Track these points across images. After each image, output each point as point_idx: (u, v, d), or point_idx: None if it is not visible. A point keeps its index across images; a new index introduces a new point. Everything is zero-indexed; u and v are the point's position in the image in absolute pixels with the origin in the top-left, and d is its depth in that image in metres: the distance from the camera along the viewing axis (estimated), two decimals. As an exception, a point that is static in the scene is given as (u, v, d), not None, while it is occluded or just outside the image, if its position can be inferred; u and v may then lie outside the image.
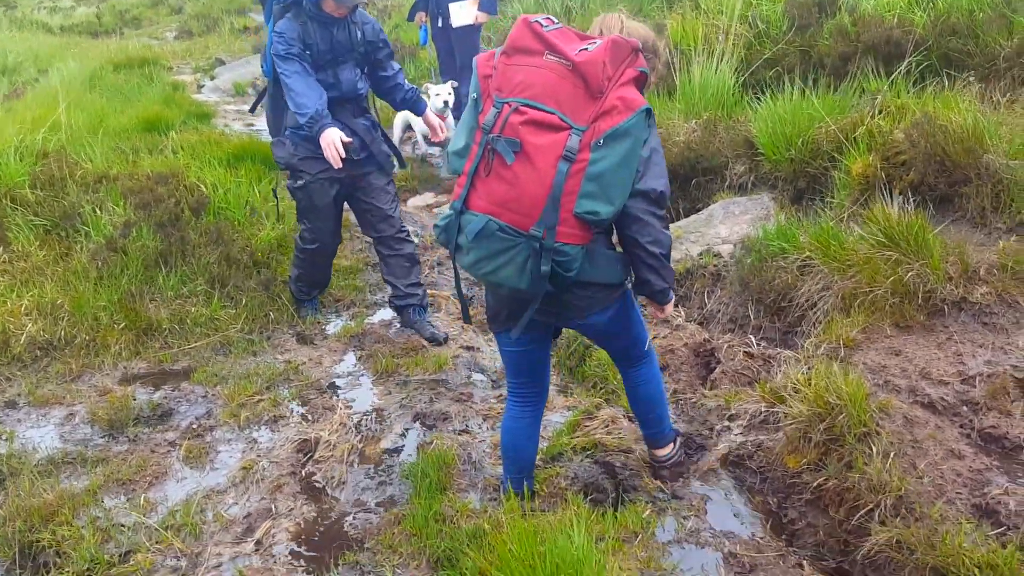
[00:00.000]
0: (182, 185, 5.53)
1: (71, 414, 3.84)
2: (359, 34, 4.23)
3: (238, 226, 5.35)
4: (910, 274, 3.62)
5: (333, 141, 3.98)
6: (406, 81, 4.56)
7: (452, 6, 7.42)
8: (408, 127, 7.22)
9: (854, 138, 4.65)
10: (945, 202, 4.25)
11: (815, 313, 4.02)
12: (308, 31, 4.07)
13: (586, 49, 2.47)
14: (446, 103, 6.58)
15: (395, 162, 4.57)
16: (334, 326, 4.78)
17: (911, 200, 4.15)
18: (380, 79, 4.47)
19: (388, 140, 4.53)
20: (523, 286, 2.53)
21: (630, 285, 2.87)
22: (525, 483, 3.15)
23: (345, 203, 4.57)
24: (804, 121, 4.98)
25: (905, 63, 5.22)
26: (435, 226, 2.68)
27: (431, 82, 6.98)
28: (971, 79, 5.13)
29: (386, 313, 4.96)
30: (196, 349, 4.42)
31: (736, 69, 6.06)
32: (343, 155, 3.99)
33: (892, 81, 5.09)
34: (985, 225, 4.08)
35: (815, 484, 3.06)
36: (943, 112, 4.33)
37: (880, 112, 4.72)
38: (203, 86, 11.16)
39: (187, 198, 5.32)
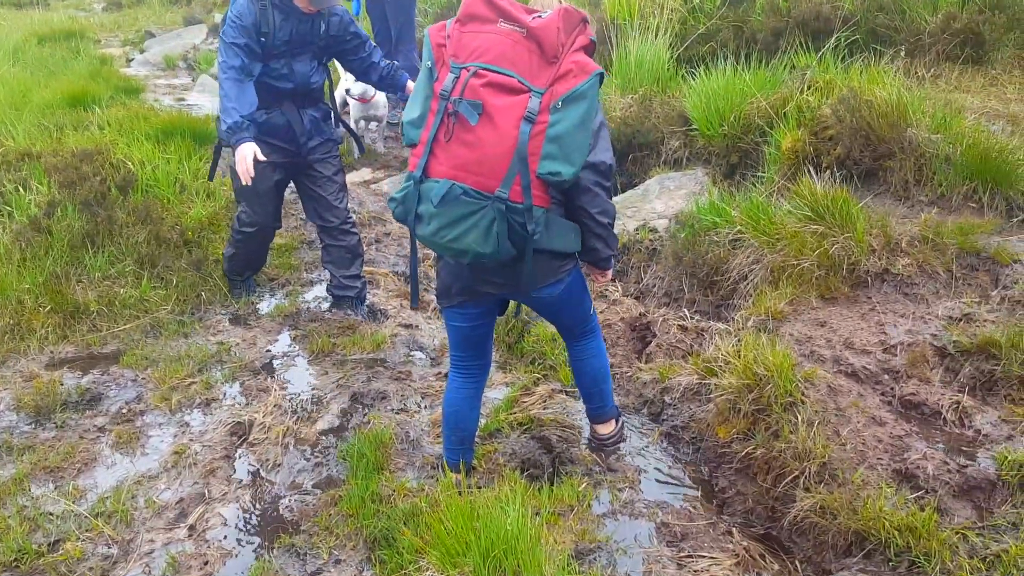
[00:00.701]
0: (108, 162, 5.36)
1: (-5, 401, 3.73)
2: (322, 26, 4.06)
3: (168, 204, 5.21)
4: (835, 247, 3.71)
5: (246, 157, 3.80)
6: (381, 59, 4.36)
7: None
8: (344, 103, 7.10)
9: (784, 113, 4.73)
10: (871, 176, 4.36)
11: (746, 286, 4.10)
12: (267, 17, 3.88)
13: (539, 16, 2.52)
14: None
15: (355, 149, 4.46)
16: (268, 305, 4.70)
17: (838, 174, 4.26)
18: (352, 65, 4.34)
19: (348, 128, 4.42)
20: (488, 250, 2.52)
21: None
22: (463, 458, 3.17)
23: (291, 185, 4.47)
24: (736, 97, 5.04)
25: (833, 38, 5.31)
26: (391, 199, 2.66)
27: None
28: (901, 53, 5.25)
29: (321, 290, 4.90)
30: (125, 331, 4.32)
31: (671, 44, 6.10)
32: (252, 174, 3.81)
33: (821, 57, 5.18)
34: (908, 198, 4.20)
35: (744, 453, 3.15)
36: (868, 87, 4.43)
37: (809, 88, 4.81)
38: (132, 60, 10.81)
39: (113, 176, 5.16)
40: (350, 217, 4.49)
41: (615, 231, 2.86)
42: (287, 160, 4.22)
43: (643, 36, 6.03)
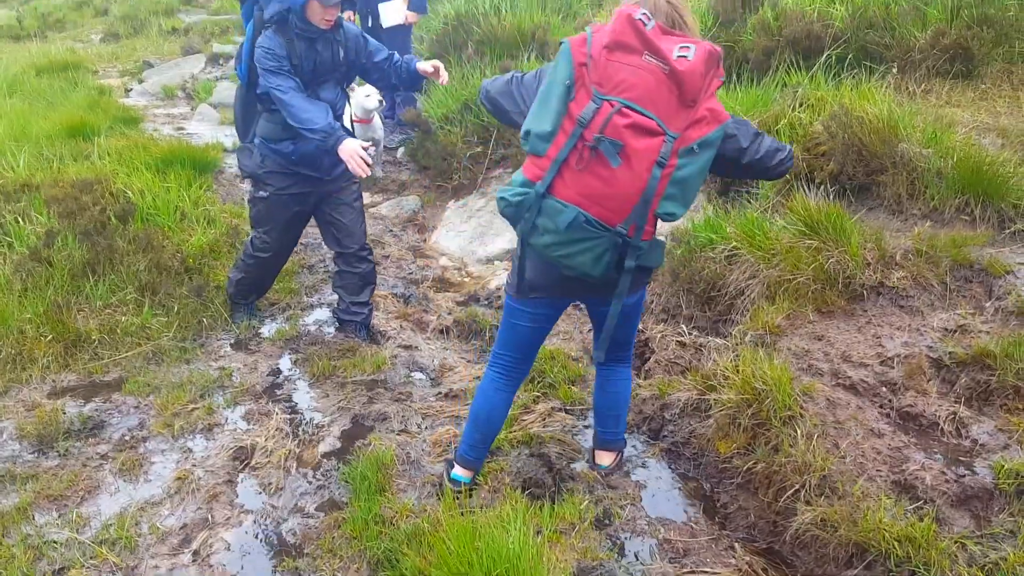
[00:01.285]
0: (108, 192, 5.41)
1: (-2, 430, 3.74)
2: (341, 52, 4.12)
3: (168, 232, 5.25)
4: (830, 261, 3.74)
5: (355, 151, 3.82)
6: (392, 56, 4.30)
7: (382, 6, 7.38)
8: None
9: (777, 130, 4.78)
10: (864, 190, 4.40)
11: (743, 301, 4.12)
12: (294, 49, 3.93)
13: (684, 57, 2.53)
14: (380, 101, 6.54)
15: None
16: (269, 330, 4.73)
17: (832, 189, 4.30)
18: (373, 78, 4.38)
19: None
20: (596, 274, 2.66)
21: None
22: (477, 457, 3.24)
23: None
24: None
25: (824, 56, 5.38)
26: (501, 198, 2.71)
27: (357, 83, 6.88)
28: (893, 72, 5.31)
29: (322, 314, 4.93)
30: (127, 359, 4.34)
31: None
32: (369, 162, 3.86)
33: (812, 74, 5.24)
34: (902, 212, 4.24)
35: (745, 468, 3.17)
36: (859, 103, 4.48)
37: (800, 104, 4.86)
38: (131, 90, 10.89)
39: (113, 205, 5.21)
40: (367, 244, 4.52)
41: None
42: (310, 189, 4.27)
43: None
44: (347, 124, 4.39)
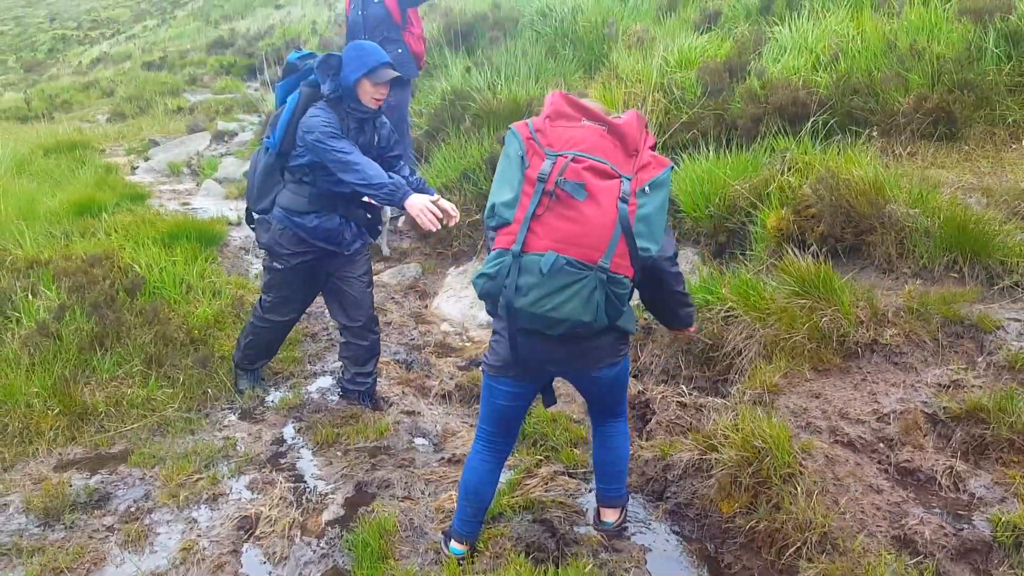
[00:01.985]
0: (116, 266, 5.52)
1: (5, 504, 3.75)
2: (375, 138, 4.30)
3: (174, 304, 5.35)
4: (824, 320, 3.82)
5: (426, 206, 3.90)
6: (413, 173, 4.52)
7: None
8: None
9: (767, 194, 4.91)
10: (855, 250, 4.51)
11: (741, 361, 4.19)
12: (346, 126, 4.10)
13: (618, 117, 2.92)
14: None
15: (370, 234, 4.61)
16: (273, 398, 4.78)
17: (823, 250, 4.40)
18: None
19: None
20: (587, 318, 2.73)
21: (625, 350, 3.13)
22: (471, 531, 3.28)
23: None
24: (720, 180, 5.24)
25: (810, 122, 5.55)
26: (479, 276, 2.83)
27: None
28: (873, 134, 5.47)
29: (325, 382, 4.99)
30: (133, 431, 4.38)
31: (655, 133, 6.34)
32: (439, 216, 3.93)
33: (799, 139, 5.40)
34: (892, 270, 4.34)
35: (747, 527, 3.18)
36: (845, 167, 4.62)
37: (789, 169, 5.00)
38: (137, 167, 11.13)
39: (121, 279, 5.31)
40: (375, 316, 4.59)
41: None
42: (325, 259, 4.36)
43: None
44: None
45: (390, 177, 3.99)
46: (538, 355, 2.94)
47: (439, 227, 3.95)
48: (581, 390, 3.29)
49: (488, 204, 2.87)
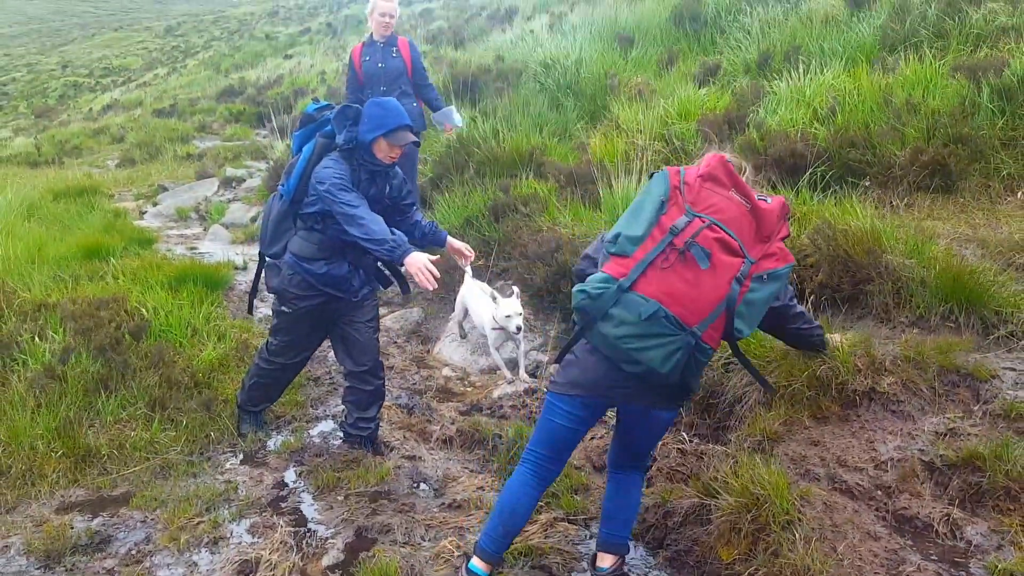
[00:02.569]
0: (123, 310, 5.58)
1: (6, 546, 3.76)
2: (387, 188, 4.37)
3: (180, 347, 5.40)
4: (823, 368, 3.86)
5: (424, 265, 3.93)
6: (423, 218, 4.63)
7: (447, 110, 7.83)
8: (466, 312, 6.25)
9: (766, 243, 4.98)
10: (852, 300, 4.56)
11: (741, 408, 4.22)
12: (357, 177, 4.18)
13: (764, 200, 3.05)
14: (519, 327, 5.56)
15: (400, 288, 4.66)
16: (274, 442, 4.80)
17: (821, 299, 4.46)
18: (400, 224, 4.48)
19: (393, 270, 4.64)
20: (664, 370, 2.89)
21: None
22: (497, 553, 3.30)
23: None
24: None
25: (808, 173, 5.65)
26: (581, 290, 2.98)
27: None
28: (868, 185, 5.58)
29: (327, 426, 5.01)
30: (135, 474, 4.40)
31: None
32: (437, 275, 3.97)
33: (797, 190, 5.49)
34: (890, 320, 4.39)
35: (747, 574, 3.18)
36: (843, 217, 4.71)
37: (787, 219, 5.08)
38: (145, 212, 11.28)
39: (128, 322, 5.37)
40: (380, 362, 4.61)
41: None
42: (333, 307, 4.42)
43: (628, 176, 6.40)
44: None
45: (393, 234, 4.03)
46: (610, 379, 3.06)
47: (435, 287, 3.99)
48: (628, 427, 3.35)
49: (613, 231, 3.04)
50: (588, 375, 3.09)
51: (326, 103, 4.44)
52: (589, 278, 3.00)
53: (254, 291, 4.79)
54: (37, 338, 5.24)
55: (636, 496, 3.45)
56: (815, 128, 6.36)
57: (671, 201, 2.99)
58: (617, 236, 2.99)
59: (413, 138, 4.24)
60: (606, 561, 3.41)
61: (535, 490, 3.29)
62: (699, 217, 2.93)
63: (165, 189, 12.51)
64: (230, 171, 13.02)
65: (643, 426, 3.28)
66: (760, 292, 2.93)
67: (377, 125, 4.14)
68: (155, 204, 11.72)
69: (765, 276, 2.92)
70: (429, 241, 4.64)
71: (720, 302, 2.86)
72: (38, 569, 3.62)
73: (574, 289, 3.02)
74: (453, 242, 4.60)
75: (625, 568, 3.45)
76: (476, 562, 3.30)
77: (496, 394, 5.49)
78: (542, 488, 3.32)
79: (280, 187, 4.43)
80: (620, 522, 3.43)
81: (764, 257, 2.96)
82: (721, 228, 2.91)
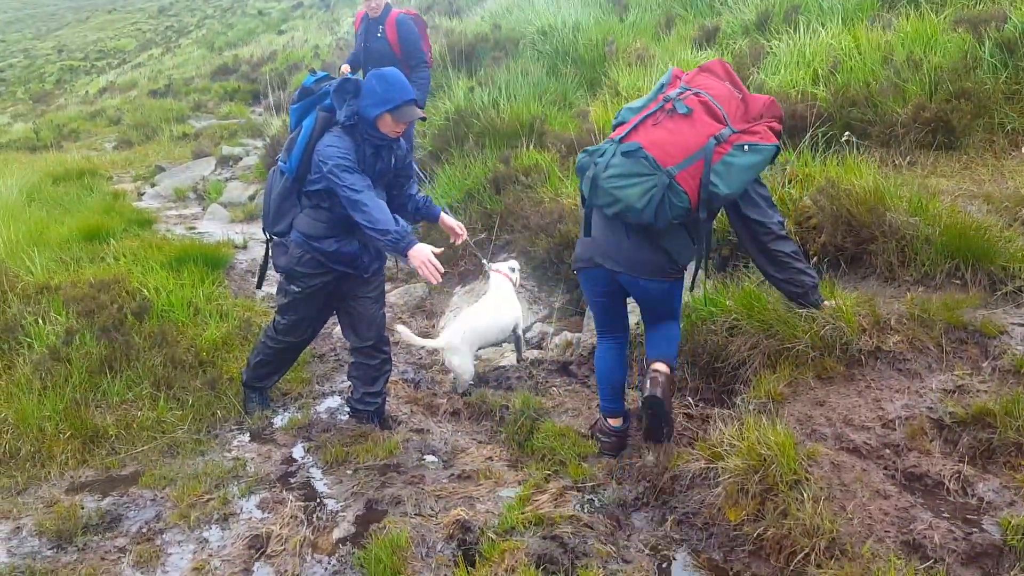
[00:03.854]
0: (125, 290, 5.57)
1: (18, 528, 3.78)
2: (392, 159, 4.28)
3: (182, 327, 5.39)
4: (826, 328, 3.84)
5: (428, 258, 3.89)
6: (418, 192, 4.54)
7: None
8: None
9: (770, 205, 4.94)
10: (856, 260, 4.53)
11: (745, 371, 4.20)
12: (362, 153, 4.09)
13: (753, 95, 3.61)
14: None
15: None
16: (281, 419, 4.81)
17: (825, 260, 4.43)
18: (396, 196, 4.46)
19: None
20: (638, 206, 3.34)
21: (686, 277, 3.84)
22: (615, 405, 4.07)
23: None
24: (722, 192, 5.27)
25: (809, 134, 5.59)
26: (585, 151, 3.63)
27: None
28: (851, 139, 5.52)
29: (334, 402, 5.02)
30: (143, 453, 4.41)
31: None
32: (441, 269, 3.93)
33: (799, 151, 5.44)
34: (895, 279, 4.36)
35: (755, 534, 3.19)
36: (845, 177, 4.66)
37: (790, 181, 5.04)
38: (144, 193, 11.25)
39: (130, 303, 5.36)
40: (385, 336, 4.57)
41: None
42: (342, 280, 4.37)
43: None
44: None
45: (397, 223, 3.95)
46: (592, 253, 3.69)
47: (439, 280, 3.96)
48: (635, 297, 3.86)
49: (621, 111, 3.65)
50: (586, 250, 3.72)
51: (324, 74, 4.33)
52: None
53: (264, 268, 4.67)
54: (41, 321, 5.24)
55: (676, 330, 3.92)
56: (816, 88, 6.28)
57: (671, 84, 3.58)
58: (620, 112, 3.62)
59: (420, 114, 4.15)
60: (660, 365, 3.79)
61: (617, 352, 4.03)
62: (690, 89, 3.48)
63: (163, 170, 12.46)
64: (227, 150, 12.95)
65: (645, 297, 3.77)
66: (739, 159, 3.31)
67: (381, 101, 4.03)
68: (153, 185, 11.68)
69: (746, 147, 3.32)
70: (422, 216, 4.59)
71: (697, 150, 3.30)
72: (50, 549, 3.64)
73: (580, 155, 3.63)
74: (446, 219, 4.52)
75: (675, 375, 3.92)
76: (611, 422, 4.06)
77: (504, 363, 5.48)
78: (622, 350, 4.06)
79: (280, 163, 4.32)
80: (665, 345, 3.85)
81: (746, 132, 3.38)
82: (708, 97, 3.42)
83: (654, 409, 3.77)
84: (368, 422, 4.60)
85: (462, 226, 4.52)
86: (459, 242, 4.50)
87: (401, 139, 4.31)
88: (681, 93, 3.46)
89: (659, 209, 3.30)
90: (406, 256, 3.97)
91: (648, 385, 3.74)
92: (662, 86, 3.58)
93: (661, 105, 3.45)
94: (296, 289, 4.36)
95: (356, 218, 3.99)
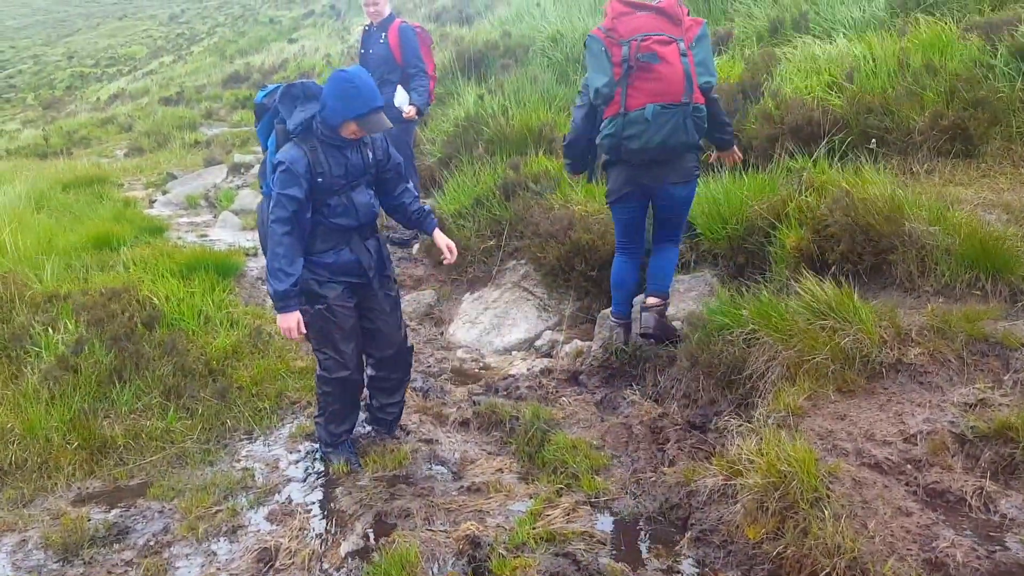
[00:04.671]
0: (135, 299, 5.54)
1: (24, 540, 3.74)
2: (370, 155, 4.05)
3: (192, 335, 5.36)
4: (847, 340, 3.77)
5: (292, 328, 3.86)
6: (415, 202, 4.35)
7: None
8: None
9: (786, 214, 4.88)
10: (875, 269, 4.46)
11: (764, 383, 4.13)
12: (319, 159, 3.83)
13: (660, 3, 4.29)
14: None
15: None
16: (290, 428, 4.76)
17: (843, 270, 4.36)
18: (386, 199, 4.30)
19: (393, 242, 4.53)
20: (684, 138, 4.26)
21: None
22: (622, 310, 4.99)
23: None
24: (736, 201, 5.22)
25: (824, 142, 5.52)
26: (604, 136, 4.38)
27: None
28: (872, 146, 5.44)
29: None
30: (152, 463, 4.37)
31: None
32: (299, 339, 4.08)
33: (815, 159, 5.37)
34: (914, 289, 4.29)
35: (775, 553, 3.11)
36: (862, 186, 4.58)
37: (807, 189, 4.97)
38: (155, 201, 11.22)
39: (140, 312, 5.33)
40: (406, 346, 4.40)
41: None
42: (356, 291, 4.17)
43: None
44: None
45: (288, 278, 3.78)
46: (631, 176, 4.48)
47: (298, 339, 4.01)
48: (658, 206, 4.63)
49: (591, 89, 4.33)
50: (624, 178, 4.51)
51: (274, 86, 4.09)
52: (604, 123, 4.36)
53: None
54: (50, 330, 5.21)
55: (672, 258, 4.74)
56: (831, 95, 6.21)
57: (608, 45, 4.24)
58: (597, 91, 4.27)
59: (388, 124, 3.90)
60: (653, 300, 4.68)
61: (632, 264, 4.86)
62: (632, 40, 4.18)
63: (174, 177, 12.44)
64: (238, 157, 12.93)
65: (673, 204, 4.57)
66: (700, 51, 4.26)
67: (347, 107, 3.76)
68: (164, 192, 11.66)
69: (694, 41, 4.24)
70: (415, 226, 4.41)
71: (685, 76, 4.17)
72: (56, 563, 3.60)
73: (597, 140, 4.48)
74: (439, 237, 4.28)
75: (666, 308, 4.76)
76: (617, 319, 4.97)
77: (514, 371, 5.43)
78: (637, 261, 4.89)
79: (263, 189, 4.12)
80: (660, 278, 4.68)
81: (685, 32, 4.23)
82: (649, 35, 4.16)
83: (653, 339, 4.79)
84: (387, 432, 4.55)
85: (453, 247, 4.29)
86: (448, 262, 4.33)
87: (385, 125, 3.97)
88: (630, 48, 4.22)
89: (696, 129, 4.34)
90: (276, 313, 3.92)
91: (643, 324, 4.68)
92: (605, 52, 4.29)
93: (626, 69, 4.24)
94: (321, 307, 4.04)
95: (266, 254, 3.91)
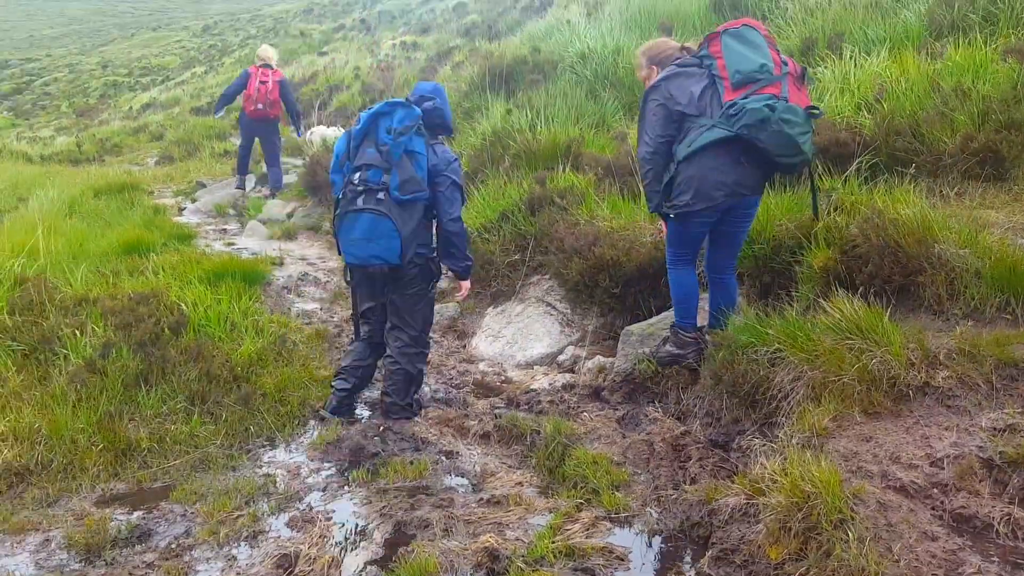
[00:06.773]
0: (163, 304, 5.61)
1: (47, 540, 3.78)
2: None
3: (218, 342, 5.41)
4: (874, 362, 3.73)
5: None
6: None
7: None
8: None
9: (814, 234, 4.85)
10: (904, 291, 4.41)
11: (788, 403, 4.09)
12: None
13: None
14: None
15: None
16: (311, 435, 4.78)
17: (871, 290, 4.32)
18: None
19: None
20: (808, 153, 4.24)
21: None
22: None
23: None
24: (764, 219, 5.19)
25: (855, 163, 5.49)
26: (764, 104, 4.14)
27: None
28: (912, 171, 5.40)
29: (362, 414, 4.99)
30: (175, 467, 4.40)
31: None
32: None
33: (845, 180, 5.34)
34: (943, 312, 4.23)
35: (797, 574, 3.07)
36: (892, 207, 4.55)
37: (835, 209, 4.94)
38: (184, 208, 11.38)
39: (167, 317, 5.39)
40: (422, 339, 4.94)
41: None
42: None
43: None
44: None
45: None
46: (734, 183, 4.32)
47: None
48: (733, 224, 4.55)
49: (747, 69, 4.25)
50: (721, 186, 4.30)
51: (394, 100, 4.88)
52: (755, 97, 4.17)
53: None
54: (78, 333, 5.28)
55: (734, 289, 4.79)
56: (860, 116, 6.18)
57: (769, 42, 4.36)
58: (762, 66, 4.24)
59: None
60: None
61: (693, 276, 4.73)
62: (791, 59, 4.43)
63: (203, 186, 12.62)
64: (265, 168, 13.07)
65: (745, 219, 4.59)
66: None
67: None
68: (193, 200, 11.82)
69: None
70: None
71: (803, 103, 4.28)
72: (79, 563, 3.63)
73: (752, 106, 4.13)
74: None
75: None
76: (686, 332, 4.78)
77: (536, 386, 5.42)
78: (693, 270, 4.75)
79: (408, 197, 4.71)
80: (727, 316, 4.65)
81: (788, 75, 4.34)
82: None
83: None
84: (399, 420, 4.85)
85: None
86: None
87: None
88: (789, 62, 4.34)
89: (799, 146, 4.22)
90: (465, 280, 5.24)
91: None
92: (766, 41, 4.35)
93: (787, 72, 4.26)
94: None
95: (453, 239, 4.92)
